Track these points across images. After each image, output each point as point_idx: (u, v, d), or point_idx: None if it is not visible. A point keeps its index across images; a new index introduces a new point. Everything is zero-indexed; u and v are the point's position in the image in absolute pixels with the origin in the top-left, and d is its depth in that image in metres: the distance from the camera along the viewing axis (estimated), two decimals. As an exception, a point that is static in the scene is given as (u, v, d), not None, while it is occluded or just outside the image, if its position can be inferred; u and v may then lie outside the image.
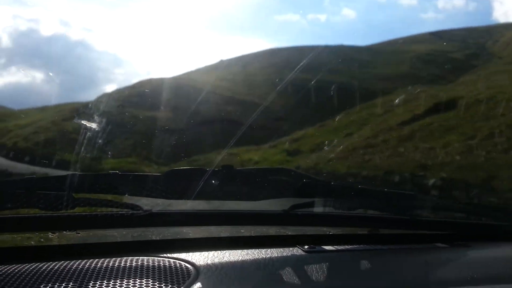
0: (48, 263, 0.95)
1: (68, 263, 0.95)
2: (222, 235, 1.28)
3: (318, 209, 1.28)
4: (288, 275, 0.93)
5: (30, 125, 19.81)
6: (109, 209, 1.14)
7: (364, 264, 1.02)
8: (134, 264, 0.96)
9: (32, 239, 1.15)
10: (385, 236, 1.34)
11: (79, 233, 1.14)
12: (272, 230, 1.32)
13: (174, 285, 0.87)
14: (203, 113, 16.29)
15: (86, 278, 0.88)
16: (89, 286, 0.84)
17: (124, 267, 0.94)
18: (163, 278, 0.89)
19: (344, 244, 1.20)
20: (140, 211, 1.12)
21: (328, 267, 0.99)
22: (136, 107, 17.87)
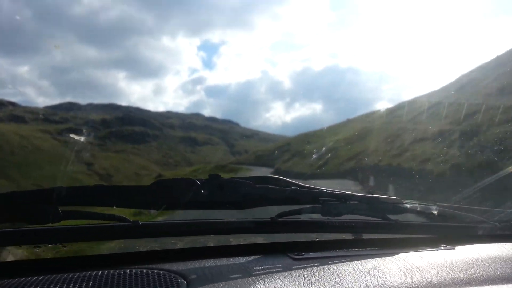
0: (33, 278, 0.93)
1: (54, 277, 0.93)
2: (210, 244, 1.28)
3: (305, 216, 1.29)
4: (277, 282, 0.94)
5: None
6: (96, 221, 1.13)
7: (352, 269, 1.03)
8: (122, 276, 0.95)
9: (17, 253, 1.13)
10: (372, 241, 1.36)
11: (65, 247, 1.12)
12: (260, 238, 1.32)
13: None
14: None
15: None
16: None
17: (112, 279, 0.93)
18: None
19: (332, 250, 1.21)
20: (127, 223, 1.12)
21: (316, 273, 1.00)
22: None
